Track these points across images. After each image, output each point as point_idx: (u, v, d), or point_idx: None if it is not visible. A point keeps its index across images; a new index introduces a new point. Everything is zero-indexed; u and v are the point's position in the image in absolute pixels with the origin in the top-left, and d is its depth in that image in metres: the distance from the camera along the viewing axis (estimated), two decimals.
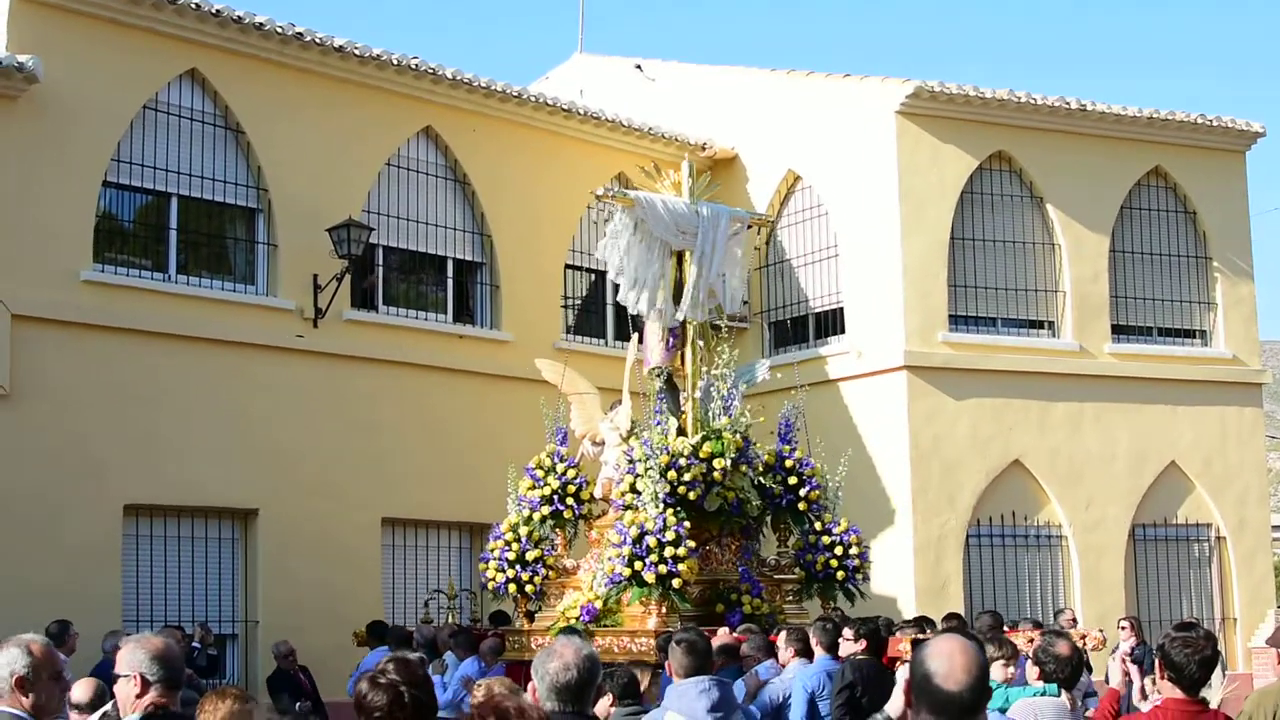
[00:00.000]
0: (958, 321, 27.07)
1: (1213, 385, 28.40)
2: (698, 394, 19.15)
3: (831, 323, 27.96)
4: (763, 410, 19.86)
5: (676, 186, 20.03)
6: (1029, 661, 10.72)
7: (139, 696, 6.91)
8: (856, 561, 19.41)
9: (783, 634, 14.99)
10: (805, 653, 14.35)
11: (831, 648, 14.12)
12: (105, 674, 8.43)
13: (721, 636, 15.36)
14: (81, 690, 8.95)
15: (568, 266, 27.81)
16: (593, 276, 28.34)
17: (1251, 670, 26.84)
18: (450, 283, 26.38)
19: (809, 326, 28.30)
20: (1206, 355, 28.77)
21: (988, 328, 27.48)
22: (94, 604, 20.32)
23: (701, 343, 19.60)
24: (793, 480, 19.41)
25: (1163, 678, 7.81)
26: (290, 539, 23.08)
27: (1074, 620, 22.32)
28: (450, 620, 21.65)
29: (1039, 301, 27.75)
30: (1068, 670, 10.13)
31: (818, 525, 19.43)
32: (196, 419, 22.44)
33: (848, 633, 14.14)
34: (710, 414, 18.91)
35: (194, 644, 19.77)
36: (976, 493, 26.46)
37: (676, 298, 19.50)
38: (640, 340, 19.98)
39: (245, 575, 23.01)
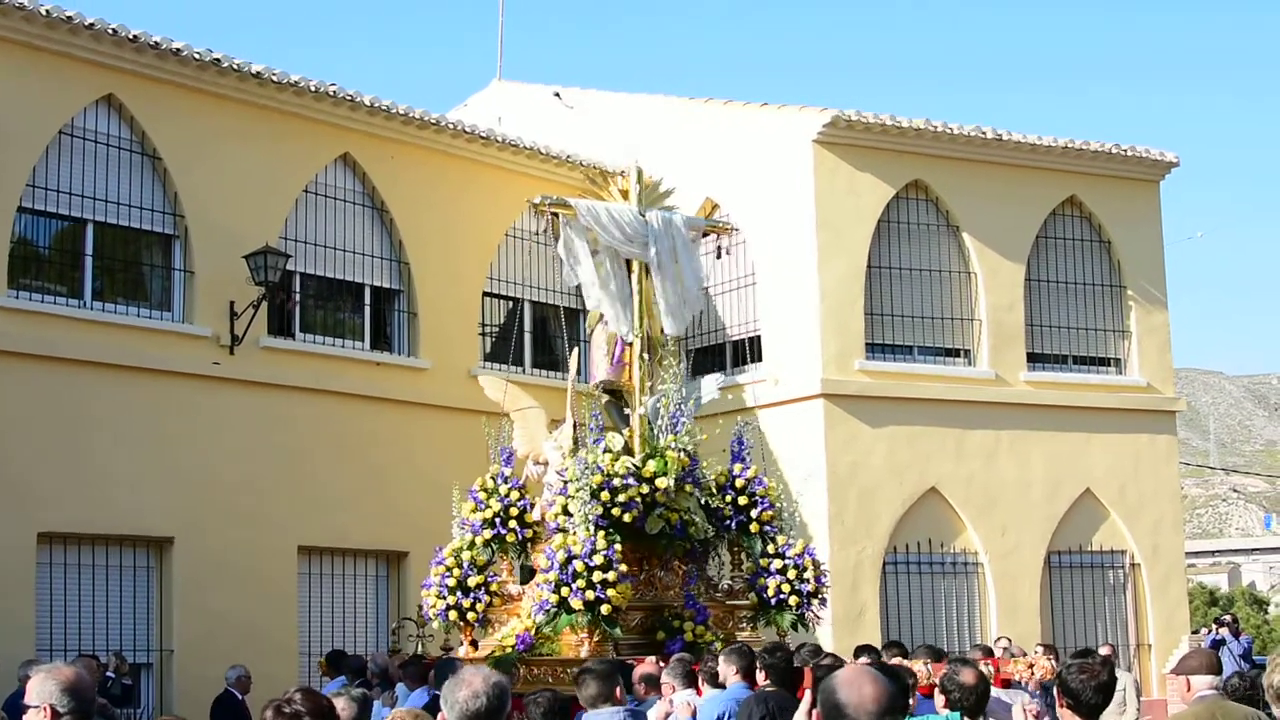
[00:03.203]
0: (875, 349, 27.22)
1: (1127, 413, 28.64)
2: (642, 410, 18.91)
3: (749, 350, 28.03)
4: (701, 431, 19.42)
5: (625, 194, 19.85)
6: (937, 690, 10.72)
7: None
8: (812, 585, 18.89)
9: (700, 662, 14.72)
10: (718, 682, 14.02)
11: (747, 674, 13.67)
12: (20, 703, 8.37)
13: (647, 665, 15.09)
14: None
15: (486, 294, 27.76)
16: (510, 304, 28.33)
17: (1165, 697, 27.06)
18: (368, 310, 26.31)
19: (726, 354, 28.38)
20: (1121, 383, 29.01)
21: (904, 356, 27.65)
22: (8, 632, 20.20)
23: (649, 356, 19.33)
24: (743, 501, 19.02)
25: (1062, 705, 7.90)
26: (206, 567, 22.93)
27: (1021, 650, 22.00)
28: (422, 649, 21.02)
29: (955, 330, 27.93)
30: (972, 699, 10.16)
31: (770, 548, 18.96)
32: (112, 446, 22.29)
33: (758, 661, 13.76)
34: (656, 432, 18.57)
35: (108, 673, 19.56)
36: (893, 520, 26.59)
37: (627, 309, 19.23)
38: (580, 355, 19.74)
39: (160, 604, 22.84)
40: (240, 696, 20.57)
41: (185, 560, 22.87)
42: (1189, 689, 9.69)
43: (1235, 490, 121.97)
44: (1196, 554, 76.87)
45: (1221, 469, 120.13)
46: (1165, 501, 29.12)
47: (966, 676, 10.14)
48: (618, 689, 10.74)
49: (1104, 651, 23.15)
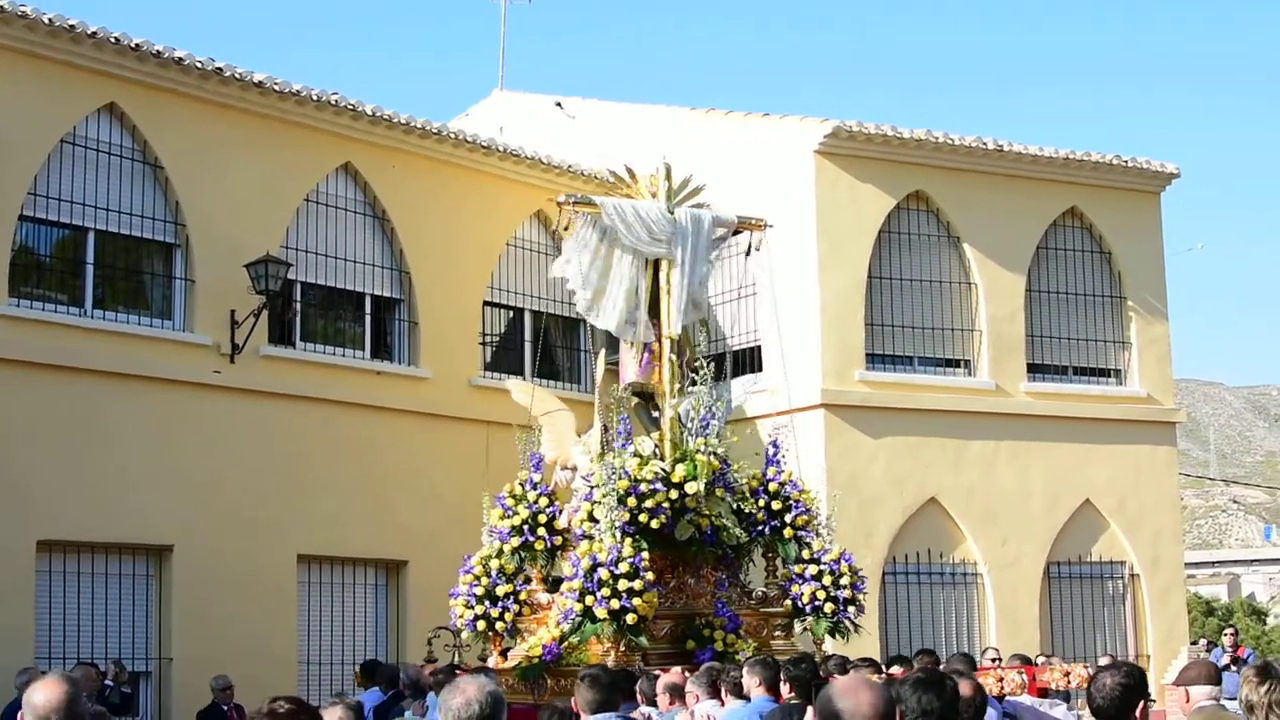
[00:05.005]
0: (875, 360, 27.20)
1: (1127, 424, 28.61)
2: (671, 413, 18.43)
3: (749, 361, 27.99)
4: (732, 434, 19.10)
5: (654, 191, 19.45)
6: None
7: None
8: (848, 593, 18.50)
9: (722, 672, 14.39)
10: (742, 693, 13.71)
11: (771, 686, 13.32)
12: (18, 711, 8.36)
13: (672, 675, 14.77)
14: None
15: (486, 303, 27.73)
16: (511, 313, 28.33)
17: (1164, 708, 27.03)
18: (368, 319, 26.30)
19: (726, 364, 28.32)
20: (1121, 394, 29.00)
21: (904, 366, 27.64)
22: (7, 640, 20.17)
23: (678, 358, 18.78)
24: (777, 505, 18.61)
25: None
26: (205, 575, 22.90)
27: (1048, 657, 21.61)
28: (458, 658, 20.62)
29: (955, 340, 27.92)
30: (970, 711, 10.13)
31: (805, 553, 18.52)
32: (112, 455, 22.28)
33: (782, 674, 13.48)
34: (686, 435, 18.15)
35: (107, 681, 19.54)
36: (893, 530, 26.58)
37: (653, 310, 18.80)
38: (610, 355, 19.51)
39: (160, 612, 22.81)
40: (225, 707, 20.62)
41: (185, 568, 22.85)
42: (1188, 700, 9.70)
43: (1235, 501, 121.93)
44: (1196, 565, 76.78)
45: (1221, 480, 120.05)
46: (1165, 512, 29.11)
47: (965, 689, 10.11)
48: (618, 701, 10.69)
49: (1103, 663, 23.12)
